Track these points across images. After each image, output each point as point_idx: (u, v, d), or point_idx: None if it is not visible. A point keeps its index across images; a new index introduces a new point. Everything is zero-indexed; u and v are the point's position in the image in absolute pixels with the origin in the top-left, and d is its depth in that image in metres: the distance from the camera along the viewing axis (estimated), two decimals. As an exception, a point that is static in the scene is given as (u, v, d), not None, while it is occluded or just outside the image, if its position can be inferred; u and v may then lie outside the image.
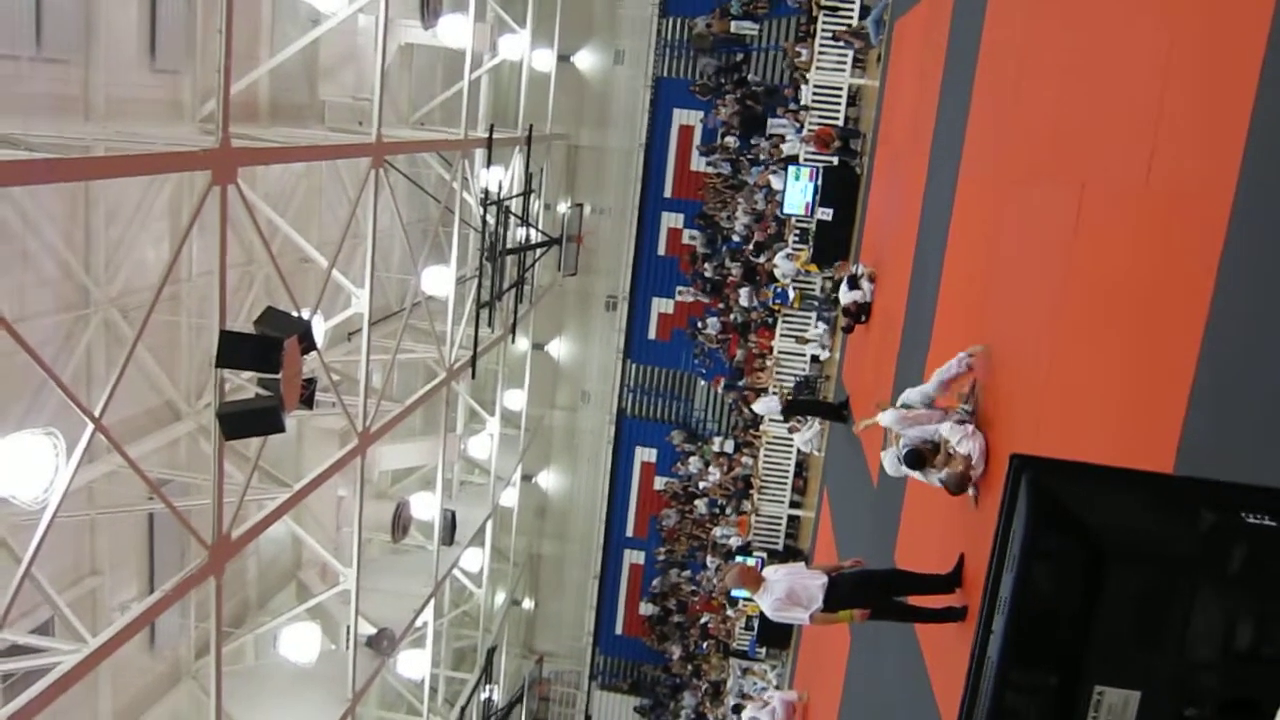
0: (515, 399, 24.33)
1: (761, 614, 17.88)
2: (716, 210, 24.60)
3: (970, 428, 7.35)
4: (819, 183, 17.49)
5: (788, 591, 7.32)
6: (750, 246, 22.12)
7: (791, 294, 19.41)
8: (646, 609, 27.36)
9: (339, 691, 13.40)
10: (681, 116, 25.54)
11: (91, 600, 11.24)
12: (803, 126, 19.06)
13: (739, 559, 18.20)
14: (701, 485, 24.69)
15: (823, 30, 18.66)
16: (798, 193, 17.73)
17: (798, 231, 19.43)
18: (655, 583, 26.90)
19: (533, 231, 20.09)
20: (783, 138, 20.13)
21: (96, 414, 7.84)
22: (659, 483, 27.09)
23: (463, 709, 19.87)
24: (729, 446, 24.42)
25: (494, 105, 22.86)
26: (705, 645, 24.10)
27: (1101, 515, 2.66)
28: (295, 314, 9.61)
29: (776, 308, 20.03)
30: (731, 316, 23.25)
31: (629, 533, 27.95)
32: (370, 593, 14.34)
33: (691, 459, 25.50)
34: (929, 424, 7.77)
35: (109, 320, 10.92)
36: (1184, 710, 2.64)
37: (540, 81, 22.37)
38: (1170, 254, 4.91)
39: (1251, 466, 3.92)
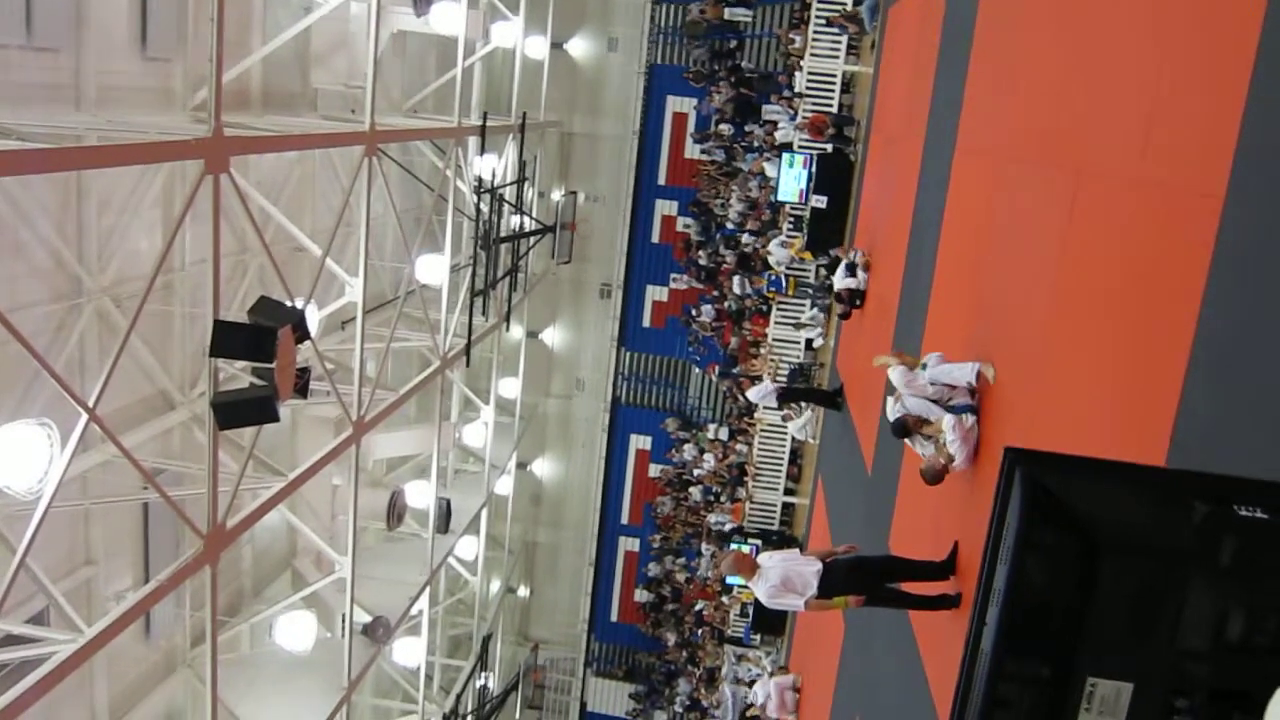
0: (510, 387, 24.32)
1: (756, 601, 17.94)
2: (710, 197, 24.59)
3: (967, 425, 7.37)
4: (813, 170, 17.50)
5: (783, 579, 7.37)
6: (743, 235, 22.15)
7: (785, 281, 19.42)
8: (641, 596, 27.44)
9: (334, 679, 13.44)
10: (675, 103, 25.50)
11: (86, 590, 11.23)
12: (796, 113, 19.05)
13: (733, 545, 18.27)
14: (696, 472, 24.73)
15: (816, 16, 18.63)
16: (792, 180, 17.74)
17: (792, 219, 19.43)
18: (650, 567, 26.99)
19: (526, 219, 20.06)
20: (776, 124, 20.11)
21: (90, 404, 7.83)
22: (654, 470, 27.13)
23: (458, 696, 19.93)
24: (723, 433, 24.46)
25: (487, 93, 22.80)
26: (700, 632, 24.18)
27: (1094, 508, 2.68)
28: (289, 303, 9.60)
29: (771, 295, 20.05)
30: (726, 304, 23.25)
31: (624, 520, 28.00)
32: (365, 581, 14.36)
33: (686, 446, 25.53)
34: (929, 399, 7.78)
35: (102, 310, 10.89)
36: (1175, 701, 2.66)
37: (533, 69, 22.30)
38: (1164, 243, 4.92)
39: (1244, 459, 3.94)
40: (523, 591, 29.43)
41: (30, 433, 8.06)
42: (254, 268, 13.94)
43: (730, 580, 17.93)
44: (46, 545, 9.38)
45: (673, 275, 26.31)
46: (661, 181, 26.08)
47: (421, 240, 15.53)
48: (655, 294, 26.79)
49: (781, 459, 20.21)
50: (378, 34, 12.23)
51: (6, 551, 8.78)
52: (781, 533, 19.87)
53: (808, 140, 18.46)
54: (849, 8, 18.14)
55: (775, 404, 17.64)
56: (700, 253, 24.61)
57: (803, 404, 17.95)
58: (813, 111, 18.60)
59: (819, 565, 7.48)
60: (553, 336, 27.85)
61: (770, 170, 19.61)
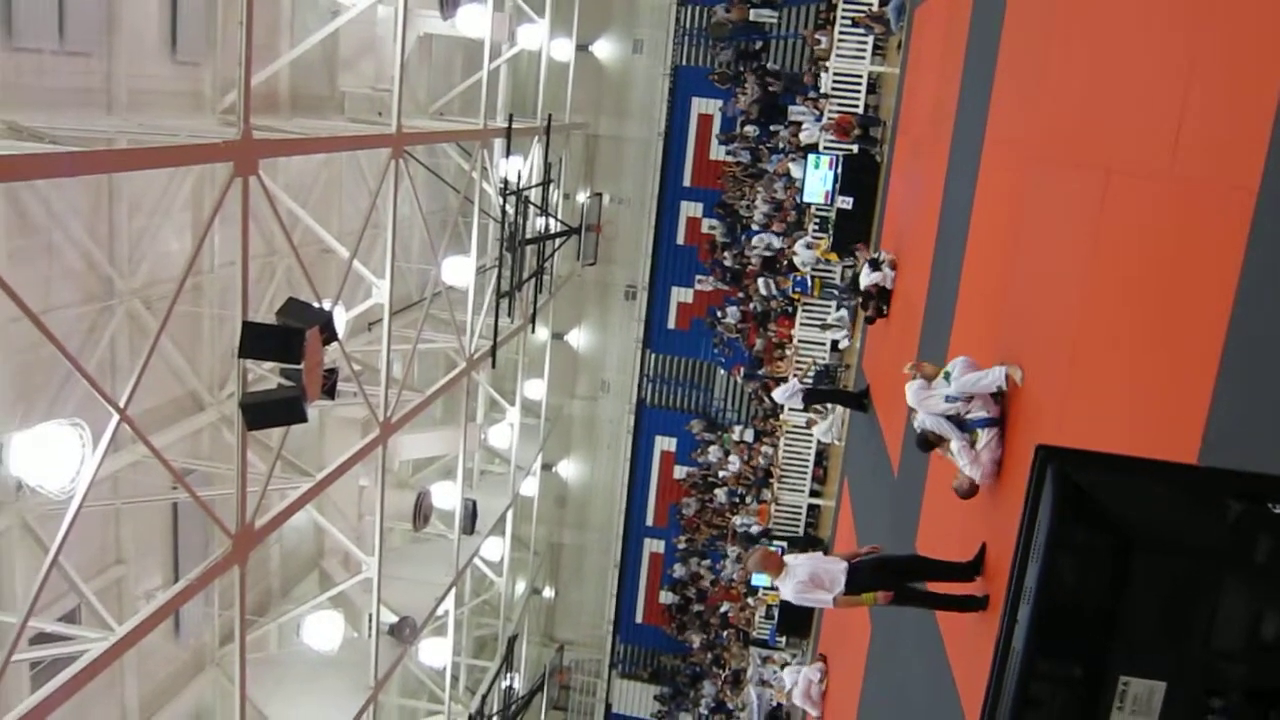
0: (535, 388, 24.36)
1: (782, 602, 17.92)
2: (736, 199, 24.54)
3: (980, 445, 7.37)
4: (838, 171, 17.44)
5: (810, 575, 7.46)
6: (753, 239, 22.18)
7: (811, 282, 19.37)
8: (666, 598, 27.41)
9: (361, 679, 13.49)
10: (700, 105, 25.47)
11: (117, 589, 11.34)
12: (822, 114, 18.99)
13: (761, 544, 18.23)
14: (721, 474, 24.69)
15: (842, 17, 18.57)
16: (817, 181, 17.69)
17: (817, 220, 19.37)
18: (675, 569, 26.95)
19: (552, 221, 20.09)
20: (802, 125, 20.06)
21: (122, 404, 7.90)
22: (679, 472, 27.09)
23: (484, 697, 19.97)
24: (749, 435, 24.42)
25: (513, 95, 22.83)
26: (725, 634, 24.12)
27: (1126, 506, 2.65)
28: (316, 304, 9.64)
29: (796, 296, 19.99)
30: (751, 305, 23.20)
31: (649, 522, 27.98)
32: (392, 581, 14.42)
33: (711, 448, 25.49)
34: (941, 416, 7.77)
35: (133, 311, 10.99)
36: (1210, 701, 2.63)
37: (559, 71, 22.35)
38: (1197, 238, 4.87)
39: (1277, 457, 3.90)
40: (548, 593, 29.46)
41: (63, 433, 8.16)
42: (282, 269, 14.03)
43: (756, 579, 17.90)
44: (78, 544, 9.49)
45: (698, 277, 26.27)
46: (687, 183, 26.05)
47: (448, 242, 15.58)
48: (680, 295, 26.76)
49: (807, 461, 20.15)
50: (404, 37, 12.29)
51: (39, 550, 8.90)
52: (808, 534, 19.82)
53: (833, 141, 18.40)
54: (875, 8, 18.07)
55: (801, 405, 17.60)
56: (725, 254, 24.57)
57: (828, 405, 17.90)
58: (839, 112, 18.54)
59: (845, 564, 7.53)
60: (578, 338, 27.87)
61: (796, 171, 19.56)
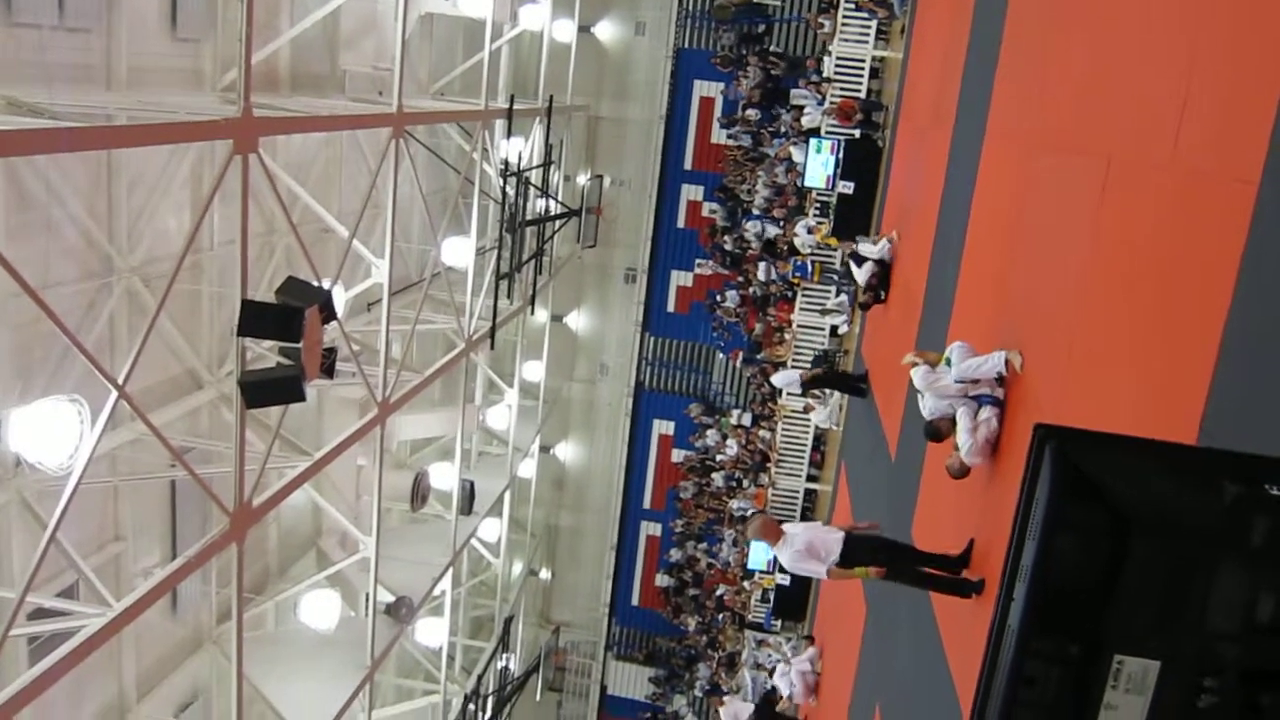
0: (534, 370, 24.37)
1: (778, 586, 17.94)
2: (737, 183, 24.49)
3: (982, 416, 7.38)
4: (840, 155, 17.38)
5: (807, 544, 7.62)
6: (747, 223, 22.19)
7: (811, 267, 19.34)
8: (663, 580, 27.47)
9: (358, 658, 13.54)
10: (702, 88, 25.38)
11: (115, 566, 11.37)
12: (824, 99, 18.93)
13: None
14: (719, 458, 24.71)
15: (846, 0, 18.48)
16: (819, 165, 17.63)
17: (818, 205, 19.33)
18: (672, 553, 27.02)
19: (552, 203, 20.05)
20: (804, 109, 19.99)
21: (120, 381, 7.90)
22: (676, 455, 27.12)
23: (480, 677, 20.03)
24: (747, 419, 24.42)
25: (514, 76, 22.77)
26: (721, 617, 24.19)
27: (1124, 486, 2.66)
28: (316, 284, 9.64)
29: (796, 281, 19.96)
30: (750, 290, 23.18)
31: (646, 505, 28.03)
32: (389, 561, 14.45)
33: (709, 432, 25.51)
34: (952, 397, 7.78)
35: (131, 289, 10.99)
36: (1203, 681, 2.64)
37: (561, 52, 22.27)
38: (1197, 227, 4.87)
39: (1276, 439, 3.90)
40: (544, 574, 29.53)
41: (61, 409, 8.15)
42: (281, 248, 14.02)
43: (753, 562, 17.97)
44: (76, 521, 9.51)
45: (698, 260, 26.22)
46: (688, 166, 25.98)
47: (448, 223, 15.56)
48: (680, 279, 26.73)
49: (805, 445, 20.17)
50: (406, 16, 12.24)
51: (38, 526, 8.92)
52: (805, 519, 19.84)
53: (835, 125, 18.34)
54: (879, -8, 17.99)
55: (799, 391, 17.60)
56: (725, 238, 24.53)
57: (826, 391, 17.88)
58: (841, 96, 18.48)
59: (841, 534, 7.69)
60: (577, 320, 27.86)
61: (797, 156, 19.51)
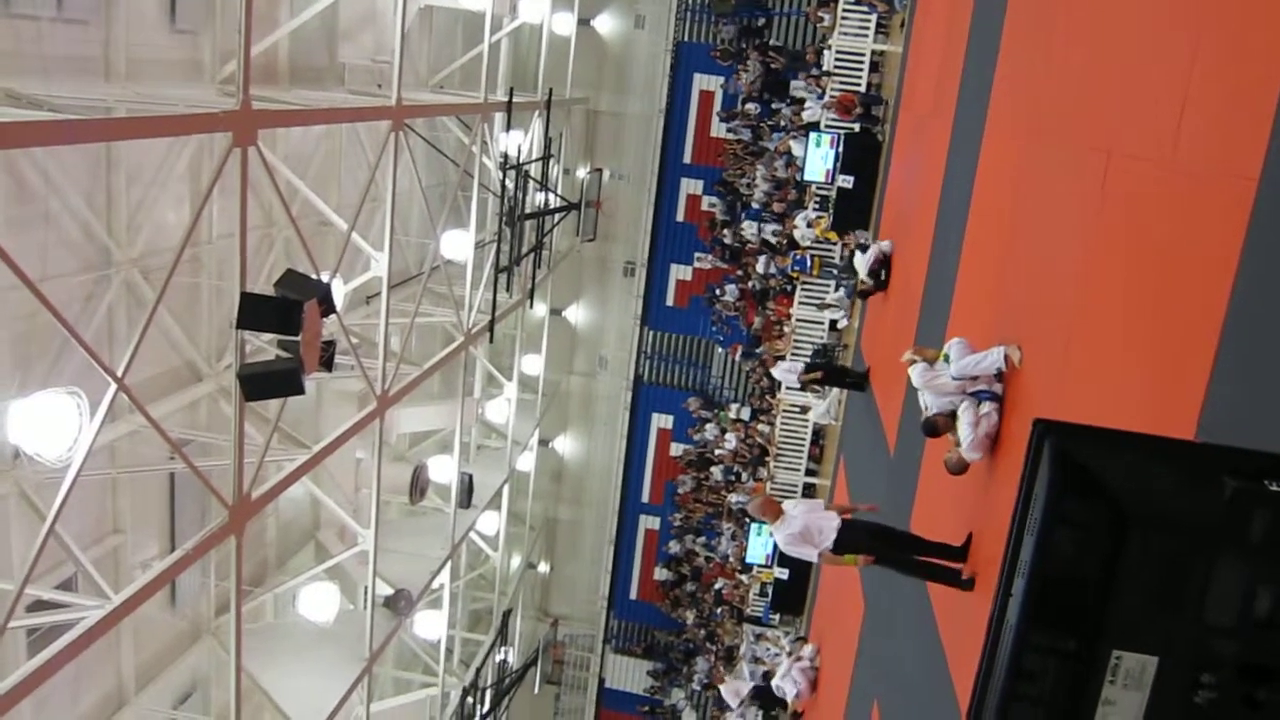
0: (533, 364, 24.37)
1: (776, 579, 17.96)
2: (736, 177, 24.46)
3: (983, 411, 7.40)
4: (840, 150, 17.37)
5: (803, 529, 7.74)
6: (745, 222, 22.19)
7: (810, 261, 19.33)
8: (661, 574, 27.50)
9: (356, 650, 13.56)
10: (702, 82, 25.33)
11: (114, 558, 11.37)
12: (824, 93, 18.90)
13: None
14: (717, 452, 24.71)
15: (846, -7, 18.46)
16: (818, 159, 17.61)
17: (818, 199, 19.32)
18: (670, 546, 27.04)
19: (551, 196, 20.03)
20: (803, 103, 19.97)
21: (119, 374, 7.90)
22: (675, 449, 27.13)
23: (478, 670, 20.06)
24: (745, 413, 24.42)
25: (514, 69, 22.73)
26: (719, 611, 24.21)
27: (1123, 481, 2.66)
28: (315, 277, 9.62)
29: (795, 275, 19.95)
30: (750, 284, 23.17)
31: (644, 498, 28.04)
32: (388, 554, 14.46)
33: (708, 425, 25.51)
34: (951, 394, 7.80)
35: (130, 281, 10.97)
36: (1201, 677, 2.65)
37: (560, 45, 22.22)
38: (1197, 221, 4.87)
39: (1275, 434, 3.90)
40: (543, 568, 29.56)
41: (60, 401, 8.15)
42: (280, 241, 14.00)
43: (753, 549, 18.02)
44: (75, 513, 9.50)
45: (697, 254, 26.21)
46: (687, 160, 25.94)
47: (447, 216, 15.54)
48: (679, 273, 26.72)
49: (803, 439, 20.18)
50: (405, 8, 12.21)
51: (37, 518, 8.91)
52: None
53: (835, 119, 18.32)
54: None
55: (798, 384, 17.59)
56: (725, 232, 24.51)
57: (825, 386, 17.87)
58: (841, 90, 18.45)
59: (838, 520, 7.78)
60: (576, 314, 27.85)
61: (797, 149, 19.49)
